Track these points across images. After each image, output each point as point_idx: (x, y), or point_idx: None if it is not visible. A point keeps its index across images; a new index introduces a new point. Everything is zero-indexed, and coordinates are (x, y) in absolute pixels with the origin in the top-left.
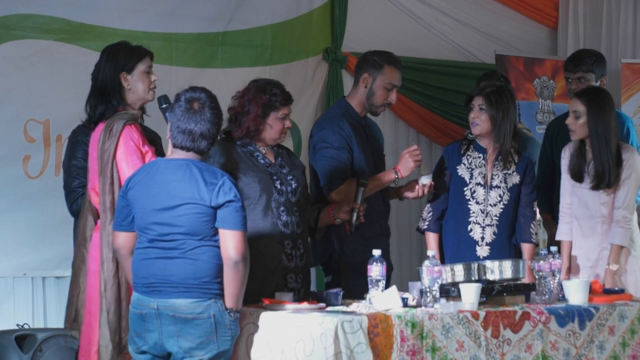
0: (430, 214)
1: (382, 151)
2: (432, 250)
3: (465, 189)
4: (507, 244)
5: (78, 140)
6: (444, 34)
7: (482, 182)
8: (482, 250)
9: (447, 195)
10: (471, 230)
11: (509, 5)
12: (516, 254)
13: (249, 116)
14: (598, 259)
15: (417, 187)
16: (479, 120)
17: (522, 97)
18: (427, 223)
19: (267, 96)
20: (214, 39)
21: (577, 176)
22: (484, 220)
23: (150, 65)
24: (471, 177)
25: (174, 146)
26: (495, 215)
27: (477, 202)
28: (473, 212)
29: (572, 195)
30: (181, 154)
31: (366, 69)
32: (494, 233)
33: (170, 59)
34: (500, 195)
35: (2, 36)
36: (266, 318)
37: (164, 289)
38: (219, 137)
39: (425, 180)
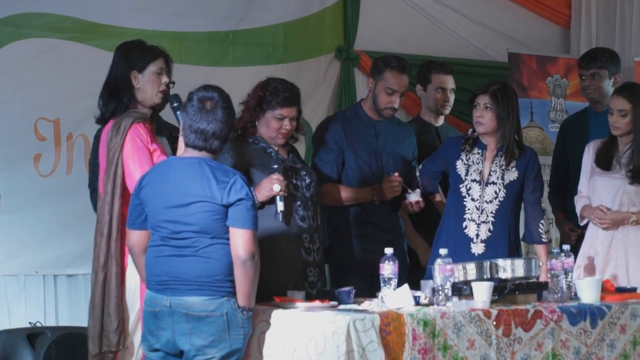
0: (420, 178)
1: (399, 156)
2: (444, 250)
3: (460, 185)
4: (503, 241)
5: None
6: (457, 32)
7: (477, 179)
8: (477, 248)
9: (438, 172)
10: (466, 227)
11: (521, 3)
12: (514, 251)
13: (245, 108)
14: (607, 259)
15: (405, 204)
16: (484, 119)
17: (535, 96)
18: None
19: (266, 93)
20: (225, 37)
21: (605, 164)
22: (479, 217)
23: (162, 66)
24: (467, 174)
25: (187, 145)
26: (491, 212)
27: (472, 199)
28: (468, 209)
29: (589, 191)
30: (193, 153)
31: (371, 73)
32: (489, 230)
33: (181, 58)
34: (495, 192)
35: (12, 35)
36: (278, 316)
37: (177, 286)
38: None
39: (413, 197)
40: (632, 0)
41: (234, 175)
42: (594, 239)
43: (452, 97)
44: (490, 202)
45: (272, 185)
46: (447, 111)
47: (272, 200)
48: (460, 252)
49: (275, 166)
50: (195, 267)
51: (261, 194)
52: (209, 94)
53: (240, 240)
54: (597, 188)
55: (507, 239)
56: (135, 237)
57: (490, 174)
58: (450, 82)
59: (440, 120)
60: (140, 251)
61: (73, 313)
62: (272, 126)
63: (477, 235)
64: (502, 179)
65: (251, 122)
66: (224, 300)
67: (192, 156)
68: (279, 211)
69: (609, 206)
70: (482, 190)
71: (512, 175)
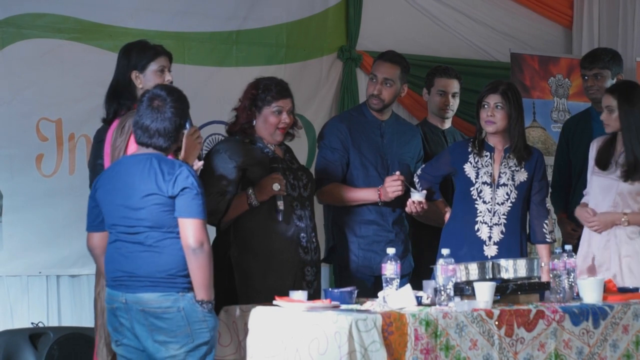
0: (418, 183)
1: (405, 156)
2: (447, 250)
3: (471, 188)
4: (515, 243)
5: (102, 140)
6: (459, 32)
7: (488, 181)
8: (490, 250)
9: (439, 177)
10: (478, 230)
11: (524, 4)
12: (525, 252)
13: (239, 109)
14: (601, 260)
15: (408, 203)
16: (496, 119)
17: (537, 96)
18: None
19: (259, 91)
20: (228, 37)
21: (603, 164)
22: (491, 219)
23: (164, 65)
24: (477, 177)
25: (136, 142)
26: (504, 214)
27: (484, 202)
28: (480, 212)
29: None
30: (143, 150)
31: None
32: (502, 232)
33: (184, 58)
34: (507, 194)
35: (14, 35)
36: (280, 316)
37: (130, 283)
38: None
39: (417, 196)
40: (634, 0)
41: (180, 167)
42: (590, 240)
43: (455, 101)
44: (502, 204)
45: (272, 185)
46: (449, 115)
47: (270, 200)
48: (473, 255)
49: (274, 165)
50: (148, 262)
51: (261, 194)
52: (159, 92)
53: (189, 230)
54: (593, 187)
55: (519, 240)
56: (96, 239)
57: (500, 176)
58: (452, 86)
59: (447, 124)
60: (101, 252)
61: (76, 313)
62: (270, 121)
63: (490, 238)
64: (513, 179)
65: (248, 122)
66: (179, 296)
67: (142, 153)
68: (278, 210)
69: (603, 206)
70: (493, 192)
71: (522, 175)
